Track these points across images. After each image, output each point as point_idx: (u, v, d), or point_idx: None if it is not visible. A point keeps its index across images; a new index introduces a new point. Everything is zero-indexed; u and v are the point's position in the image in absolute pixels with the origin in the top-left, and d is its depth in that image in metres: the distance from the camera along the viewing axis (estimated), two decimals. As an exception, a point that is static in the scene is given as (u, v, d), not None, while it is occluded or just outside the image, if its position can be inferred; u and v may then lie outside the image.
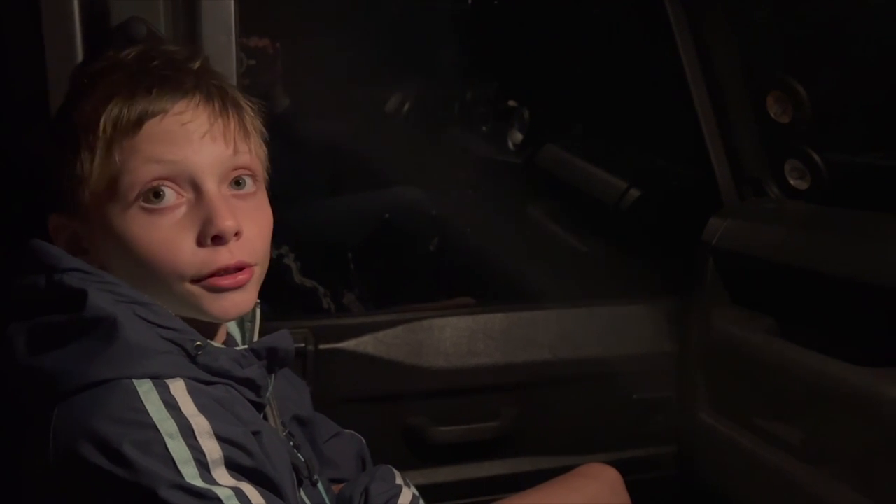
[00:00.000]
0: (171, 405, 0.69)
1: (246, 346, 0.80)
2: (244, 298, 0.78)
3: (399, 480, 1.06)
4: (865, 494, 1.18)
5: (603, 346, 1.58)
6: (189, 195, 0.75)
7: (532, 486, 1.19)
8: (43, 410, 0.70)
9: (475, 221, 2.35)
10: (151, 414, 0.67)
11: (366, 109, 2.65)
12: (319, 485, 0.94)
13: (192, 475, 0.66)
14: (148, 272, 0.75)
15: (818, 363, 1.27)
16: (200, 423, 0.68)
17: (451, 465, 1.54)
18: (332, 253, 2.21)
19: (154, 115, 0.74)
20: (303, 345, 1.40)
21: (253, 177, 0.80)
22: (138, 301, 0.73)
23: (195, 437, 0.67)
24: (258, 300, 0.83)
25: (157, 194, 0.74)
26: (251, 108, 0.83)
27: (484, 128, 2.77)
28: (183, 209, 0.75)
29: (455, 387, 1.52)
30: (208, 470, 0.67)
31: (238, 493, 0.67)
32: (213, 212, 0.74)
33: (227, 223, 0.74)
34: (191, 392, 0.71)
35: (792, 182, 1.51)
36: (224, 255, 0.75)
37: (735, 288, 1.51)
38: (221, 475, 0.68)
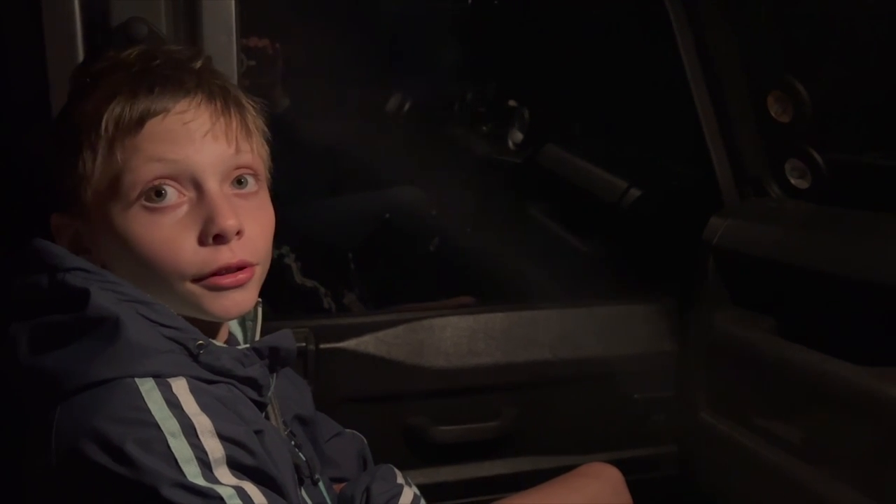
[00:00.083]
0: (174, 404, 0.69)
1: (248, 346, 0.80)
2: (245, 297, 0.78)
3: (400, 480, 1.06)
4: (866, 494, 1.18)
5: (603, 346, 1.58)
6: (191, 194, 0.75)
7: (533, 486, 1.19)
8: (45, 410, 0.70)
9: (475, 221, 2.35)
10: (154, 413, 0.67)
11: (366, 109, 2.65)
12: (321, 484, 0.94)
13: (194, 474, 0.66)
14: (149, 271, 0.75)
15: (819, 363, 1.27)
16: (203, 422, 0.68)
17: (452, 465, 1.54)
18: (332, 253, 2.21)
19: (156, 114, 0.74)
20: (303, 344, 1.40)
21: (255, 176, 0.80)
22: (140, 300, 0.73)
23: (197, 436, 0.67)
24: (260, 299, 0.83)
25: (158, 193, 0.74)
26: (253, 107, 0.83)
27: (484, 128, 2.77)
28: (184, 208, 0.75)
29: (456, 386, 1.52)
30: (210, 469, 0.67)
31: (240, 492, 0.67)
32: (215, 211, 0.74)
33: (228, 222, 0.74)
34: (193, 391, 0.71)
35: (793, 181, 1.51)
36: (225, 255, 0.75)
37: (735, 287, 1.51)
38: (223, 474, 0.68)
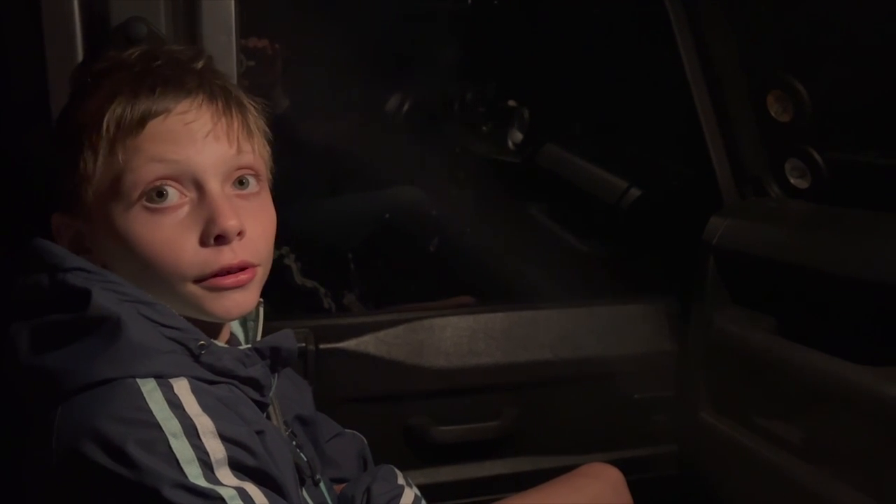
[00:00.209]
0: (175, 404, 0.69)
1: (249, 346, 0.80)
2: (246, 298, 0.78)
3: (401, 480, 1.06)
4: (866, 493, 1.18)
5: (603, 346, 1.58)
6: (192, 195, 0.75)
7: (533, 486, 1.19)
8: (46, 410, 0.70)
9: (475, 221, 2.35)
10: (155, 413, 0.67)
11: (365, 110, 2.64)
12: (321, 484, 0.94)
13: (195, 475, 0.66)
14: (150, 272, 0.75)
15: (819, 362, 1.27)
16: (204, 423, 0.68)
17: (453, 465, 1.54)
18: (332, 253, 2.21)
19: (157, 114, 0.74)
20: (303, 345, 1.40)
21: (256, 177, 0.80)
22: (142, 300, 0.73)
23: (199, 437, 0.67)
24: (261, 299, 0.83)
25: (160, 194, 0.74)
26: (255, 107, 0.83)
27: (484, 128, 2.77)
28: (186, 209, 0.75)
29: (456, 386, 1.52)
30: (212, 470, 0.67)
31: (242, 493, 0.67)
32: (216, 211, 0.74)
33: (230, 223, 0.74)
34: (194, 391, 0.71)
35: (792, 181, 1.51)
36: (227, 255, 0.75)
37: (736, 287, 1.51)
38: (225, 475, 0.68)
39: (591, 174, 2.15)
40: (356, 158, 2.25)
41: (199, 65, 0.79)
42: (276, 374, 0.84)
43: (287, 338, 0.82)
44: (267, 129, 0.84)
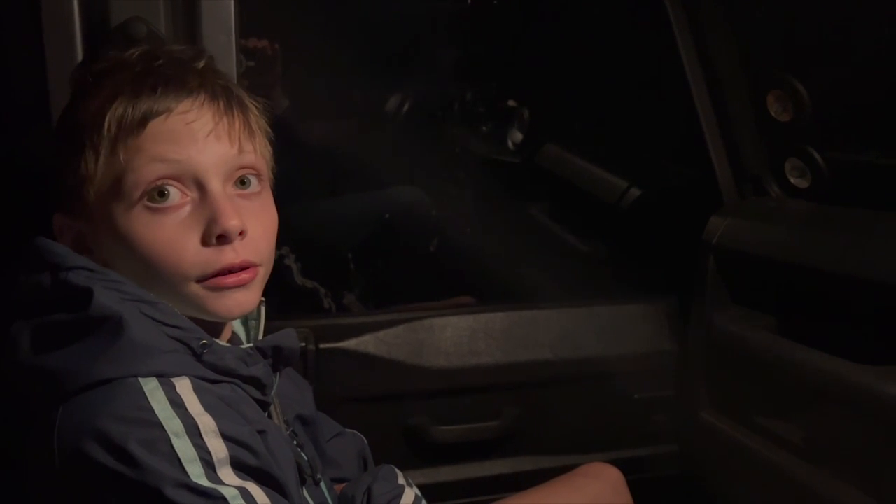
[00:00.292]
0: (177, 404, 0.69)
1: (251, 345, 0.80)
2: (247, 297, 0.78)
3: (401, 480, 1.06)
4: (867, 493, 1.18)
5: (603, 346, 1.58)
6: (194, 194, 0.75)
7: (533, 486, 1.19)
8: (47, 409, 0.70)
9: (475, 221, 2.35)
10: (157, 412, 0.67)
11: (366, 110, 2.64)
12: (322, 484, 0.94)
13: (197, 474, 0.66)
14: (152, 272, 0.74)
15: (819, 361, 1.27)
16: (206, 422, 0.68)
17: (453, 465, 1.55)
18: (332, 254, 2.21)
19: (158, 114, 0.74)
20: (304, 344, 1.40)
21: (258, 176, 0.80)
22: (144, 299, 0.73)
23: (201, 437, 0.67)
24: (263, 298, 0.83)
25: (161, 193, 0.74)
26: (256, 107, 0.83)
27: (484, 128, 2.77)
28: (187, 208, 0.75)
29: (456, 386, 1.52)
30: (214, 469, 0.67)
31: (243, 492, 0.67)
32: (218, 211, 0.74)
33: (231, 222, 0.74)
34: (196, 391, 0.70)
35: (792, 180, 1.51)
36: (229, 255, 0.75)
37: (736, 287, 1.52)
38: (227, 475, 0.67)
39: (591, 174, 2.16)
40: (356, 158, 2.25)
41: (201, 64, 0.79)
42: (278, 374, 0.84)
43: (289, 337, 0.82)
44: (268, 129, 0.84)
